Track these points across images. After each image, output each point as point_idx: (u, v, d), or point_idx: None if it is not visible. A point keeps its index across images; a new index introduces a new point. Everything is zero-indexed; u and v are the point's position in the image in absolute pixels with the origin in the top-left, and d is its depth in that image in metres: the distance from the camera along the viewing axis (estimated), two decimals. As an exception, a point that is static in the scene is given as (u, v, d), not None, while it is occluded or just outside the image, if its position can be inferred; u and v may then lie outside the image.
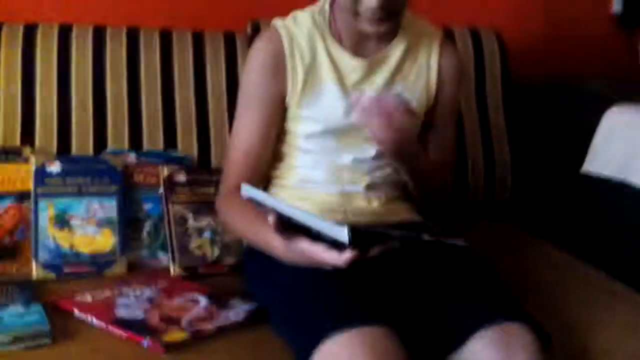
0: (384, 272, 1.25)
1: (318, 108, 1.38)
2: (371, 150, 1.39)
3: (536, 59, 2.09)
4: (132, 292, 1.34)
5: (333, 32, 1.39)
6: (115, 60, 1.65)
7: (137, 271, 1.48)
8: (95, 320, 1.24)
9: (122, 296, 1.32)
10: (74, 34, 1.65)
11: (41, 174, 1.47)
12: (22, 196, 1.47)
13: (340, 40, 1.39)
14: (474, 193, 1.82)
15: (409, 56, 1.42)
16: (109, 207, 1.49)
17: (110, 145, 1.62)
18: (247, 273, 1.43)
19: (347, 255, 1.06)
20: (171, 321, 1.24)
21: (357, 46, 1.39)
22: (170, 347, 1.17)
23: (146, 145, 1.63)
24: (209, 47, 1.71)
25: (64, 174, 1.48)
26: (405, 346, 1.12)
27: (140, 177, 1.55)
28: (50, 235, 1.45)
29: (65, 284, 1.40)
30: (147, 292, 1.34)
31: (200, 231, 1.52)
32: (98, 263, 1.46)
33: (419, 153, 1.37)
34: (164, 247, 1.51)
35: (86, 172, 1.50)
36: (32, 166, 1.48)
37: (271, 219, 1.12)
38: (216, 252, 1.52)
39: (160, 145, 1.64)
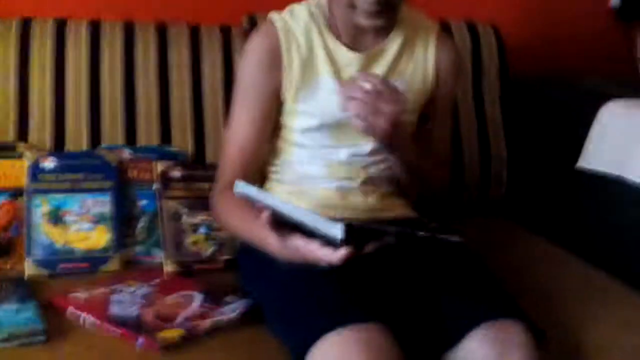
0: (379, 269, 1.25)
1: (314, 102, 1.37)
2: (367, 146, 1.39)
3: (534, 53, 2.08)
4: (126, 289, 1.34)
5: (330, 26, 1.38)
6: (110, 55, 1.64)
7: (132, 268, 1.48)
8: (89, 318, 1.23)
9: (117, 293, 1.32)
10: (68, 29, 1.64)
11: (35, 170, 1.47)
12: (16, 192, 1.46)
13: (337, 34, 1.38)
14: (469, 188, 1.82)
15: (405, 50, 1.41)
16: (103, 203, 1.49)
17: (105, 140, 1.61)
18: (242, 270, 1.43)
19: (341, 253, 1.06)
20: (166, 318, 1.23)
21: (354, 40, 1.38)
22: (165, 345, 1.17)
23: (141, 141, 1.63)
24: (205, 41, 1.70)
25: (58, 169, 1.48)
26: (401, 343, 1.12)
27: (135, 172, 1.54)
28: (44, 231, 1.44)
29: (60, 281, 1.40)
30: (142, 289, 1.34)
31: (195, 227, 1.52)
32: (92, 259, 1.46)
33: (412, 144, 1.36)
34: (158, 244, 1.50)
35: (80, 168, 1.49)
36: (26, 162, 1.47)
37: (265, 216, 1.11)
38: (211, 248, 1.51)
39: (155, 140, 1.64)
